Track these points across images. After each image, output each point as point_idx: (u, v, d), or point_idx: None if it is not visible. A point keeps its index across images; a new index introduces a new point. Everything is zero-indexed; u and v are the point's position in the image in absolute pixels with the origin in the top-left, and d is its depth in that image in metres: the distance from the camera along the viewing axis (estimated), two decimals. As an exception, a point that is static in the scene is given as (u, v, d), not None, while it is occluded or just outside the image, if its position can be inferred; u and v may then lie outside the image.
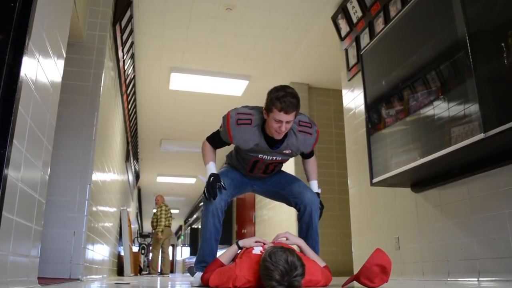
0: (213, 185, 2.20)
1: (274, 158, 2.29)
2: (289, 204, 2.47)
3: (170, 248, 25.85)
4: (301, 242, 2.21)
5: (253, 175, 2.44)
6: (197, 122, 7.72)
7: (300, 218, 2.43)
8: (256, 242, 2.06)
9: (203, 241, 2.30)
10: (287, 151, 2.26)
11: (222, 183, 2.23)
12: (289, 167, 5.52)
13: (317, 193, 2.48)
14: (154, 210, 8.95)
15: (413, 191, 3.07)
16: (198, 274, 2.20)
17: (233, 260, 2.06)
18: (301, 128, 2.22)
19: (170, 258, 8.52)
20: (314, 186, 2.51)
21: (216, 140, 2.36)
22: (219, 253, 2.22)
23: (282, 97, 2.01)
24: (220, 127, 2.29)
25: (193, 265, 2.40)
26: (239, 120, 2.17)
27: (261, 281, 1.83)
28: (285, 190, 2.44)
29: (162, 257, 8.78)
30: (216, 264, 2.04)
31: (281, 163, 2.40)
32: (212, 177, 2.23)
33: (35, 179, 1.73)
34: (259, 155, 2.26)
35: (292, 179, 2.49)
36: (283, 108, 2.00)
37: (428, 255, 2.90)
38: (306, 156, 2.50)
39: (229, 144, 2.34)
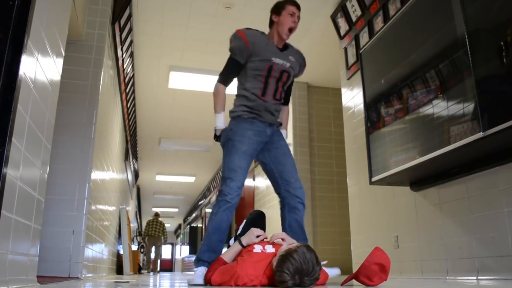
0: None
1: (284, 63, 2.39)
2: (278, 192, 2.43)
3: (169, 247, 26.37)
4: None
5: (266, 99, 2.37)
6: (196, 121, 7.72)
7: (284, 216, 2.39)
8: (257, 237, 2.07)
9: (208, 239, 2.25)
10: (291, 58, 2.45)
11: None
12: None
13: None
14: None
15: (412, 189, 3.08)
16: (200, 269, 2.17)
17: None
18: (294, 47, 2.56)
19: (153, 258, 10.87)
20: (284, 134, 2.56)
21: (229, 69, 2.42)
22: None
23: None
24: (231, 42, 2.39)
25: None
26: (247, 28, 2.42)
27: (261, 280, 1.84)
28: (282, 179, 2.39)
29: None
30: (219, 263, 2.04)
31: (289, 77, 2.44)
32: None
33: (34, 178, 1.73)
34: (272, 58, 2.35)
35: (293, 171, 2.42)
36: (294, 3, 2.41)
37: (427, 254, 2.91)
38: (284, 101, 2.58)
39: (242, 64, 2.37)
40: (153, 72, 5.89)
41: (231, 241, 2.25)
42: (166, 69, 5.77)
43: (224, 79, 2.44)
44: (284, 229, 2.36)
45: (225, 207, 2.25)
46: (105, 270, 4.85)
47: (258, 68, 2.35)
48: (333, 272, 2.28)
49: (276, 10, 2.44)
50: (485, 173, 2.42)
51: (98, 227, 4.06)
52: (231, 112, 2.44)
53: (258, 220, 2.40)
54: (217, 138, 2.43)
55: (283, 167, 2.40)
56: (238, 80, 2.46)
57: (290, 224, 2.37)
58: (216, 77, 2.49)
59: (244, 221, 2.36)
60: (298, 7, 2.42)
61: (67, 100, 3.25)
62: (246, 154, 2.32)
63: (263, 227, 2.35)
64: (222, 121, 2.41)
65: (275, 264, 1.76)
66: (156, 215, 10.79)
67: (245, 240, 2.08)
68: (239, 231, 2.32)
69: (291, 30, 2.42)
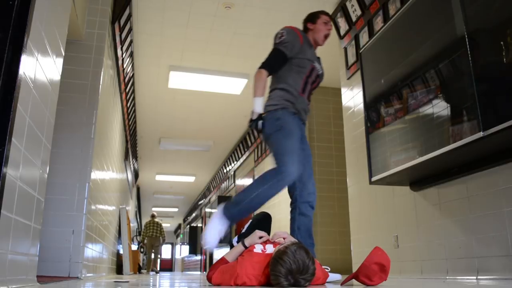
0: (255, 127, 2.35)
1: (320, 69, 2.53)
2: (290, 192, 2.43)
3: (169, 247, 26.64)
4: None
5: (304, 97, 2.46)
6: (196, 121, 7.72)
7: (294, 218, 2.41)
8: (260, 237, 2.07)
9: (253, 205, 2.24)
10: (322, 66, 2.59)
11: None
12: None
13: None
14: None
15: (412, 189, 3.08)
16: (224, 222, 2.20)
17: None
18: None
19: (152, 257, 10.89)
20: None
21: (275, 60, 2.43)
22: (224, 251, 2.22)
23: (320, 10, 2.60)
24: (282, 36, 2.43)
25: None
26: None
27: (261, 280, 1.84)
28: (300, 181, 2.40)
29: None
30: (222, 262, 2.05)
31: (318, 84, 2.59)
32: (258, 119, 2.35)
33: (34, 178, 1.73)
34: (314, 61, 2.49)
35: (311, 175, 2.47)
36: (327, 14, 2.59)
37: (427, 254, 2.91)
38: None
39: (288, 58, 2.41)
40: (153, 72, 5.89)
41: (234, 240, 2.26)
42: (166, 69, 5.77)
43: (269, 68, 2.43)
44: (292, 230, 2.38)
45: (280, 189, 2.22)
46: (105, 270, 4.85)
47: (304, 66, 2.44)
48: (334, 276, 2.29)
49: (311, 18, 2.58)
50: (485, 173, 2.42)
51: (98, 227, 4.06)
52: (271, 105, 2.40)
53: (264, 221, 2.40)
54: (252, 122, 2.36)
55: (304, 169, 2.41)
56: (278, 75, 2.47)
57: (299, 227, 2.40)
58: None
59: (250, 221, 2.36)
60: (331, 18, 2.63)
61: (67, 100, 3.25)
62: (297, 142, 2.33)
63: (268, 229, 2.36)
64: (261, 105, 2.39)
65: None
66: (153, 216, 10.95)
67: (248, 241, 2.09)
68: (243, 230, 2.32)
69: (326, 37, 2.57)
